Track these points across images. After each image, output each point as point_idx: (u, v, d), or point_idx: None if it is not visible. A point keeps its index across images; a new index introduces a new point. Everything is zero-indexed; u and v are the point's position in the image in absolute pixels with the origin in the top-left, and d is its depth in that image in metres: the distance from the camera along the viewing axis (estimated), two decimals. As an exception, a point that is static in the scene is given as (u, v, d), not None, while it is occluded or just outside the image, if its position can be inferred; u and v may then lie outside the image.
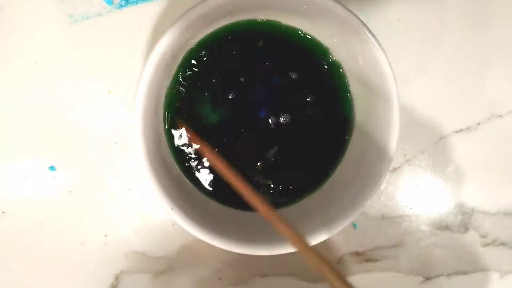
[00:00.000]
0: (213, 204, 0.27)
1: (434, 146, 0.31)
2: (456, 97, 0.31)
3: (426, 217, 0.32)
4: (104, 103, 0.30)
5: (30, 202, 0.30)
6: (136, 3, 0.29)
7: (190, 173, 0.27)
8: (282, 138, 0.27)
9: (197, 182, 0.27)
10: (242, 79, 0.26)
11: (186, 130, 0.26)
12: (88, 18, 0.29)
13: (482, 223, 0.32)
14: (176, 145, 0.27)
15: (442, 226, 0.32)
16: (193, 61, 0.26)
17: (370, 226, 0.32)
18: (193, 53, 0.26)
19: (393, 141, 0.24)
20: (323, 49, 0.27)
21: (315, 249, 0.20)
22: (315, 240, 0.24)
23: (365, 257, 0.32)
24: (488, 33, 0.31)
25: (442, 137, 0.31)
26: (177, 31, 0.22)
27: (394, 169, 0.32)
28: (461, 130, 0.31)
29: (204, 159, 0.27)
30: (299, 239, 0.20)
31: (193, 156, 0.27)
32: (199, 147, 0.25)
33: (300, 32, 0.26)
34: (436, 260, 0.32)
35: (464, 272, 0.33)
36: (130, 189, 0.30)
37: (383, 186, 0.32)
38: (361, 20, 0.23)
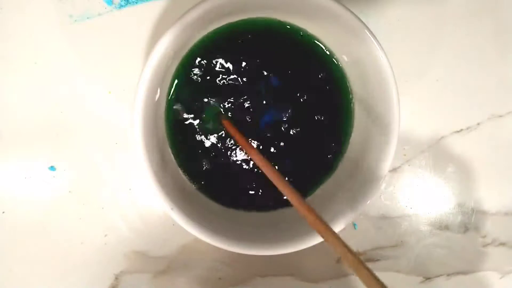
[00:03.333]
0: (213, 204, 0.27)
1: (434, 146, 0.31)
2: (456, 97, 0.31)
3: (426, 217, 0.32)
4: (104, 103, 0.30)
5: (30, 202, 0.30)
6: (136, 3, 0.29)
7: (190, 173, 0.27)
8: (280, 139, 0.27)
9: (197, 182, 0.27)
10: (243, 79, 0.26)
11: (227, 125, 0.25)
12: (88, 18, 0.29)
13: (482, 223, 0.32)
14: (176, 145, 0.27)
15: (442, 226, 0.32)
16: (193, 61, 0.26)
17: (370, 226, 0.32)
18: (193, 53, 0.26)
19: (393, 140, 0.24)
20: (323, 49, 0.27)
21: (342, 240, 0.20)
22: (315, 240, 0.24)
23: (365, 257, 0.32)
24: (488, 33, 0.31)
25: (442, 137, 0.31)
26: (177, 31, 0.22)
27: (394, 169, 0.32)
28: (461, 130, 0.31)
29: (204, 159, 0.27)
30: (327, 229, 0.21)
31: (193, 156, 0.27)
32: (240, 142, 0.25)
33: (300, 32, 0.26)
34: (436, 260, 0.32)
35: (464, 272, 0.33)
36: (130, 189, 0.30)
37: (383, 186, 0.32)
38: (361, 21, 0.23)
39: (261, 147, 0.27)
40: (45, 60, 0.29)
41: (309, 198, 0.28)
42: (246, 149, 0.25)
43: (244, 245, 0.24)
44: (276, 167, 0.27)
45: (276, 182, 0.22)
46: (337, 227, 0.24)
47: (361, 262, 0.18)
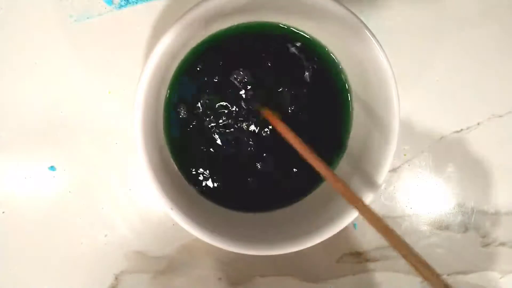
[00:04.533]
0: (213, 205, 0.27)
1: (434, 146, 0.31)
2: (456, 97, 0.31)
3: (426, 217, 0.32)
4: (104, 103, 0.30)
5: (30, 202, 0.30)
6: (136, 3, 0.29)
7: (189, 174, 0.27)
8: (279, 139, 0.27)
9: (197, 183, 0.27)
10: (242, 80, 0.26)
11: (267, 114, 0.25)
12: (88, 18, 0.29)
13: (482, 223, 0.32)
14: (176, 146, 0.27)
15: (442, 226, 0.32)
16: (194, 61, 0.26)
17: (370, 226, 0.32)
18: (193, 53, 0.26)
19: (393, 141, 0.24)
20: (323, 50, 0.27)
21: (368, 205, 0.21)
22: (315, 240, 0.24)
23: (365, 257, 0.32)
24: (488, 33, 0.31)
25: (442, 137, 0.31)
26: (177, 31, 0.22)
27: (394, 169, 0.32)
28: (461, 130, 0.31)
29: (204, 159, 0.27)
30: (353, 194, 0.21)
31: (193, 156, 0.27)
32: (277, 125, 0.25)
33: (300, 32, 0.26)
34: (436, 260, 0.32)
35: (464, 272, 0.33)
36: (130, 189, 0.30)
37: (383, 186, 0.32)
38: (361, 21, 0.23)
39: (260, 147, 0.27)
40: (45, 60, 0.29)
41: (309, 198, 0.28)
42: (282, 130, 0.24)
43: (244, 245, 0.24)
44: (274, 166, 0.27)
45: (309, 159, 0.23)
46: (339, 227, 0.24)
47: (392, 231, 0.19)
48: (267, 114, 0.25)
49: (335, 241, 0.32)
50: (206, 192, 0.27)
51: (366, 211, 0.21)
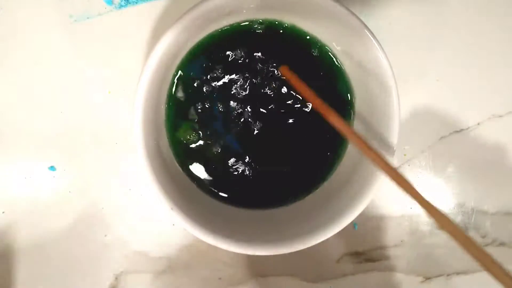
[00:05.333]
0: (213, 203, 0.27)
1: (434, 146, 0.31)
2: (456, 97, 0.31)
3: (426, 217, 0.32)
4: (104, 103, 0.30)
5: (30, 202, 0.30)
6: (136, 3, 0.29)
7: (190, 173, 0.27)
8: (279, 138, 0.27)
9: (197, 182, 0.27)
10: (242, 79, 0.26)
11: (285, 72, 0.25)
12: (88, 18, 0.29)
13: (482, 223, 0.32)
14: (176, 145, 0.27)
15: (442, 226, 0.32)
16: (194, 61, 0.26)
17: (370, 226, 0.32)
18: (193, 53, 0.26)
19: (393, 141, 0.24)
20: (323, 50, 0.27)
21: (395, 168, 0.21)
22: (315, 240, 0.24)
23: (365, 257, 0.32)
24: (488, 33, 0.31)
25: (442, 137, 0.31)
26: (177, 31, 0.22)
27: (394, 169, 0.32)
28: (461, 130, 0.31)
29: (204, 158, 0.27)
30: (375, 153, 0.22)
31: (193, 155, 0.27)
32: (297, 85, 0.24)
33: (300, 32, 0.26)
34: (436, 260, 0.32)
35: (464, 272, 0.33)
36: (130, 189, 0.30)
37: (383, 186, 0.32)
38: (361, 21, 0.23)
39: (260, 146, 0.27)
40: (45, 60, 0.29)
41: (309, 197, 0.28)
42: (302, 91, 0.24)
43: (244, 245, 0.24)
44: (275, 165, 0.27)
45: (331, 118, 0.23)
46: (339, 227, 0.24)
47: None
48: (285, 71, 0.25)
49: (335, 241, 0.32)
50: (207, 190, 0.27)
51: (392, 171, 0.21)
